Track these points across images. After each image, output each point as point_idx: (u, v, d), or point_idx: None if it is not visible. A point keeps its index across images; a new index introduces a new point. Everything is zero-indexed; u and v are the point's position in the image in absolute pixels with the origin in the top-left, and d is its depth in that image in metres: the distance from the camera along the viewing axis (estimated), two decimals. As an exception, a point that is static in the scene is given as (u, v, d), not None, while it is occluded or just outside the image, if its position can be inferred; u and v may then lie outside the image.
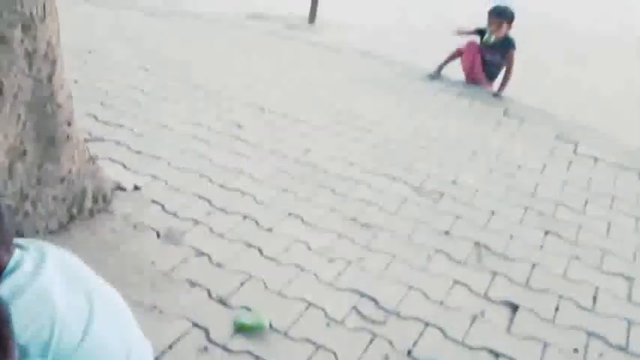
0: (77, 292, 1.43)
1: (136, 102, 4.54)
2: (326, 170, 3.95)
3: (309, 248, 3.13)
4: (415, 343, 2.59)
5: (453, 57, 6.12)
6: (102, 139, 3.85)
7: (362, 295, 2.84)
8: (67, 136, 2.75)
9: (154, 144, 3.92)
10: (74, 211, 2.90)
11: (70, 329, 1.35)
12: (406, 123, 4.96)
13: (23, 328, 1.25)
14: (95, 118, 4.16)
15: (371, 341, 2.58)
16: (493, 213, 3.72)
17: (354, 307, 2.76)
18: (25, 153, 2.53)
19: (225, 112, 4.62)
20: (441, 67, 6.15)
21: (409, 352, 2.54)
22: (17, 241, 1.43)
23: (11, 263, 1.34)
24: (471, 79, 6.08)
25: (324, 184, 3.78)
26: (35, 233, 2.66)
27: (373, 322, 2.69)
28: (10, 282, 1.30)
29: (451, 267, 3.15)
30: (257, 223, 3.27)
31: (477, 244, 3.37)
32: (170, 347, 2.37)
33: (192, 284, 2.73)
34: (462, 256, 3.25)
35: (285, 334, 2.54)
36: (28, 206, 2.62)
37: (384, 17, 8.83)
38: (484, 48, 5.95)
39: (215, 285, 2.74)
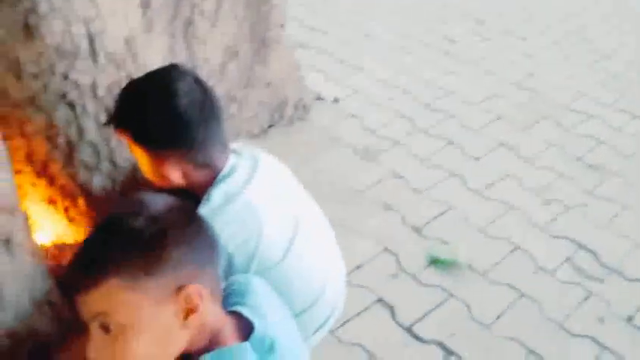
0: (284, 207, 1.46)
1: (341, 7, 4.54)
2: (551, 98, 3.62)
3: (522, 185, 2.92)
4: (638, 310, 2.32)
5: None
6: (306, 46, 3.93)
7: (580, 246, 2.60)
8: (278, 40, 2.82)
9: (358, 54, 3.91)
10: (275, 116, 3.02)
11: (274, 244, 1.39)
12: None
13: (231, 236, 1.31)
14: (300, 22, 4.25)
15: (585, 299, 2.36)
16: None
17: (569, 259, 2.54)
18: (237, 54, 2.64)
19: (437, 23, 4.42)
20: None
21: (629, 319, 2.29)
22: (232, 145, 1.48)
23: (226, 168, 1.39)
24: None
25: (546, 114, 3.48)
26: (237, 135, 2.82)
27: (590, 277, 2.46)
28: (224, 187, 1.35)
29: (701, 229, 2.73)
30: (463, 150, 3.13)
31: None
32: (358, 267, 2.41)
33: (386, 206, 2.72)
34: None
35: (484, 274, 2.43)
36: (234, 108, 2.76)
37: None
38: None
39: (410, 211, 2.70)
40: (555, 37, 4.42)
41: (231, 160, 1.42)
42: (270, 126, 3.03)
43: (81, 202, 1.89)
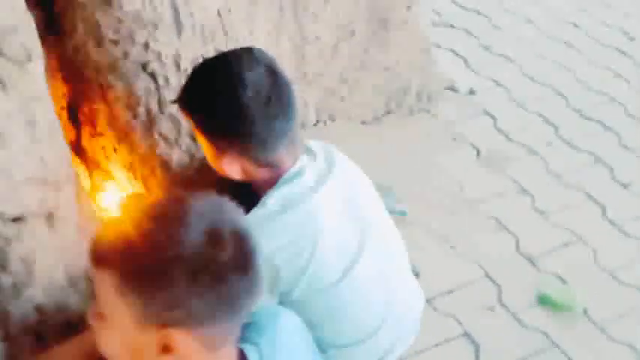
0: (351, 224, 1.34)
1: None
2: None
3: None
4: None
5: None
6: (452, 25, 3.67)
7: None
8: (403, 21, 2.66)
9: (508, 41, 3.58)
10: (392, 104, 2.87)
11: (331, 264, 1.28)
12: None
13: (281, 248, 1.22)
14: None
15: None
16: None
17: None
18: (353, 33, 2.54)
19: (616, 15, 3.92)
20: None
21: None
22: (309, 143, 1.37)
23: (295, 168, 1.29)
24: None
25: None
26: (347, 120, 2.72)
27: None
28: (284, 191, 1.26)
29: None
30: (612, 172, 2.78)
31: None
32: (449, 292, 2.21)
33: (500, 226, 2.48)
34: None
35: (603, 328, 2.14)
36: (344, 90, 2.67)
37: None
38: None
39: (528, 235, 2.44)
40: None
41: (301, 161, 1.31)
42: (385, 114, 2.87)
43: (159, 173, 1.90)
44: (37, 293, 1.32)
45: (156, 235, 0.88)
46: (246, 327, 1.05)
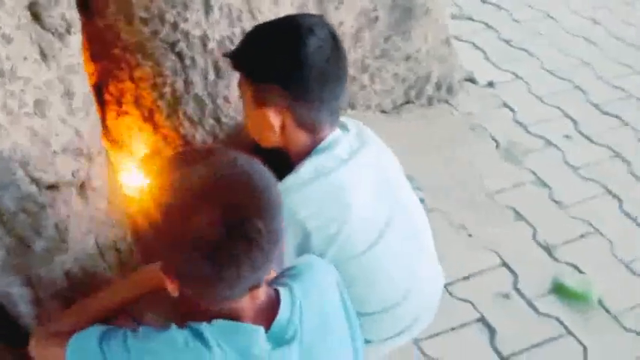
0: (381, 200, 1.36)
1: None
2: None
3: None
4: None
5: None
6: (471, 18, 3.68)
7: None
8: (426, 10, 2.66)
9: (530, 35, 3.58)
10: (412, 94, 2.87)
11: (359, 234, 1.31)
12: None
13: (313, 215, 1.24)
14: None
15: None
16: None
17: None
18: (376, 20, 2.54)
19: (634, 12, 3.91)
20: None
21: None
22: (343, 119, 1.40)
23: (328, 140, 1.31)
24: None
25: None
26: (366, 108, 2.73)
27: None
28: (318, 160, 1.29)
29: None
30: (630, 166, 2.78)
31: None
32: (466, 278, 2.23)
33: (518, 216, 2.49)
34: None
35: (616, 317, 2.15)
36: (365, 78, 2.67)
37: None
38: None
39: (546, 226, 2.44)
40: None
41: (336, 133, 1.34)
42: (405, 103, 2.88)
43: (182, 153, 1.93)
44: (67, 259, 1.36)
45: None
46: (284, 273, 1.10)
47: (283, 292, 1.04)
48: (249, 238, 0.90)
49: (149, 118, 1.88)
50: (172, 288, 0.98)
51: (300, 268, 1.13)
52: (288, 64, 1.25)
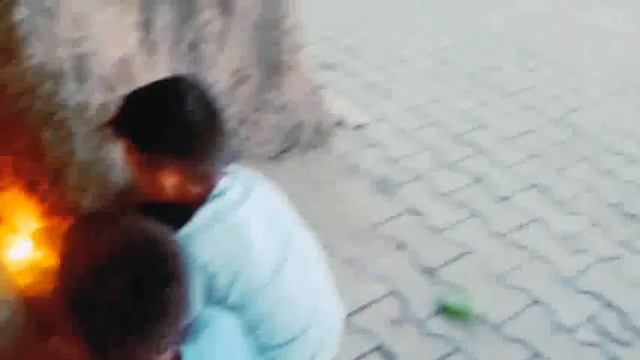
0: (274, 234, 1.44)
1: (378, 30, 4.50)
2: (594, 138, 3.48)
3: (550, 232, 2.80)
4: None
5: None
6: (334, 68, 3.90)
7: (607, 304, 2.47)
8: (294, 65, 2.81)
9: (389, 78, 3.86)
10: (290, 142, 2.99)
11: (261, 268, 1.37)
12: None
13: (215, 255, 1.30)
14: (334, 42, 4.23)
15: (606, 365, 2.23)
16: None
17: (592, 317, 2.41)
18: (248, 77, 2.65)
19: (481, 51, 4.33)
20: None
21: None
22: (232, 166, 1.46)
23: (220, 187, 1.38)
24: None
25: (586, 155, 3.35)
26: (249, 159, 2.80)
27: (614, 340, 2.32)
28: (212, 206, 1.35)
29: None
30: (490, 188, 3.03)
31: None
32: (360, 309, 2.33)
33: (400, 245, 2.64)
34: None
35: (497, 328, 2.33)
36: (245, 131, 2.76)
37: None
38: None
39: (425, 251, 2.62)
40: (606, 72, 4.26)
41: (226, 179, 1.40)
42: (284, 151, 3.00)
43: (68, 221, 1.89)
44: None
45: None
46: (189, 329, 1.13)
47: (188, 351, 1.06)
48: (157, 306, 0.93)
49: (32, 189, 1.84)
50: (81, 354, 0.98)
51: (204, 319, 1.16)
52: (169, 126, 1.30)
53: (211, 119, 1.34)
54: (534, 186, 3.08)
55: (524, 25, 4.82)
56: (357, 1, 4.91)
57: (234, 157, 2.76)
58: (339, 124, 3.28)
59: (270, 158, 2.94)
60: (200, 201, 1.36)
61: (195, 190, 1.36)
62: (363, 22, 4.58)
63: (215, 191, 1.37)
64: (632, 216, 2.94)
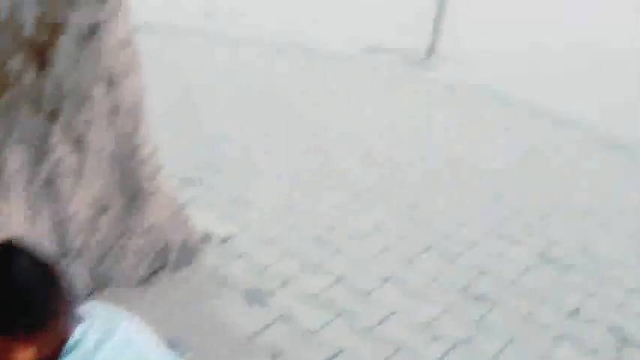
0: None
1: (234, 144, 4.72)
2: (434, 229, 3.87)
3: (411, 321, 3.04)
4: None
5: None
6: (195, 184, 4.02)
7: (468, 383, 2.71)
8: (154, 190, 2.91)
9: (248, 191, 4.04)
10: (158, 263, 3.03)
11: None
12: (536, 179, 4.75)
13: None
14: (194, 160, 4.37)
15: None
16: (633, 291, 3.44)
17: (458, 398, 2.63)
18: (108, 206, 2.71)
19: (328, 157, 4.68)
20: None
21: None
22: (89, 305, 1.46)
23: (75, 337, 1.35)
24: None
25: (431, 244, 3.70)
26: (118, 285, 2.80)
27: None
28: (71, 358, 1.32)
29: (579, 356, 2.92)
30: (353, 286, 3.24)
31: (613, 329, 3.11)
32: None
33: (275, 354, 2.74)
34: (595, 343, 3.01)
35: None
36: (111, 258, 2.78)
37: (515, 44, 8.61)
38: None
39: (300, 357, 2.73)
40: (437, 164, 4.77)
41: (81, 327, 1.40)
42: (153, 273, 3.03)
43: None
44: None
45: None
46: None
47: None
48: None
49: None
50: None
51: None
52: (8, 309, 1.26)
53: (46, 283, 1.30)
54: (389, 279, 3.34)
55: (366, 128, 5.28)
56: (212, 115, 5.12)
57: (102, 285, 2.74)
58: (206, 239, 3.37)
59: (140, 282, 2.95)
60: (53, 358, 1.34)
61: (49, 351, 1.33)
62: (217, 138, 4.78)
63: (70, 342, 1.34)
64: (478, 297, 3.28)
